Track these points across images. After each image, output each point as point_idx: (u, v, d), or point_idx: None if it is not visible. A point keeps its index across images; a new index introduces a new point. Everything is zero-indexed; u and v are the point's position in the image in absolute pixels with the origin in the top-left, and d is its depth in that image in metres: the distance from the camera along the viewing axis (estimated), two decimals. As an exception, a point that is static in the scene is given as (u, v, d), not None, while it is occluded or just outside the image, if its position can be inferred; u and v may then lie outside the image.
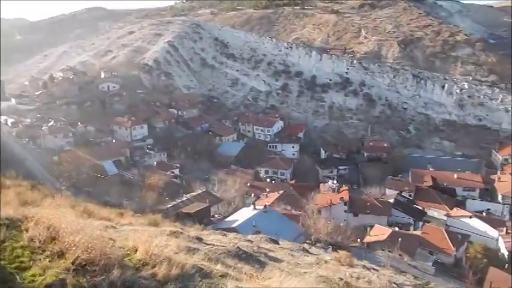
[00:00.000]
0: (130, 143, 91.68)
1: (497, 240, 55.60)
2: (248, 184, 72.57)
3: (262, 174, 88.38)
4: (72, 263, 6.65)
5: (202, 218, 41.39)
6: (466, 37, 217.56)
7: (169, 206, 48.94)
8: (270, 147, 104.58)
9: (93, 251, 6.90)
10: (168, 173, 76.24)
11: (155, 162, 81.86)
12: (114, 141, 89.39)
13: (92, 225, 9.17)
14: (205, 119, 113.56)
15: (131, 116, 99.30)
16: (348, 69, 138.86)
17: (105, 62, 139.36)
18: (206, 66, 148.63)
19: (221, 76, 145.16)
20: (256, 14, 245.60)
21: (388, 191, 72.39)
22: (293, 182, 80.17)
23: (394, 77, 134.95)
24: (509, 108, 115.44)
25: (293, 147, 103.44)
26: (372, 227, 52.29)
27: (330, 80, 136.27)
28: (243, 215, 44.15)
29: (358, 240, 47.82)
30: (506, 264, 48.59)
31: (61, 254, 6.91)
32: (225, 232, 18.78)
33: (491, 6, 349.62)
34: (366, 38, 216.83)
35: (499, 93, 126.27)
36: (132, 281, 6.70)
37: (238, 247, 11.76)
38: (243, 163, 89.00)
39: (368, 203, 62.11)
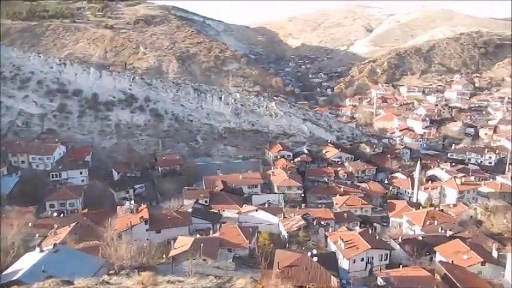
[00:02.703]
0: None
1: (278, 225, 65.91)
2: (30, 224, 62.13)
3: (47, 209, 77.54)
4: None
5: (-31, 280, 33.08)
6: (233, 53, 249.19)
7: None
8: (53, 176, 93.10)
9: None
10: None
11: None
12: None
13: None
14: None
15: None
16: (130, 85, 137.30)
17: None
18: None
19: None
20: (16, 25, 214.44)
21: (186, 201, 75.31)
22: (86, 211, 73.43)
23: (177, 91, 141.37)
24: (273, 113, 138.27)
25: (81, 172, 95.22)
26: (175, 239, 53.20)
27: (114, 97, 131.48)
28: (28, 261, 37.51)
29: (164, 256, 47.94)
30: (287, 244, 58.09)
31: None
32: (4, 291, 15.72)
33: (248, 27, 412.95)
34: (145, 53, 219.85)
35: (264, 101, 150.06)
36: None
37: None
38: (21, 201, 75.43)
39: (168, 217, 62.92)
